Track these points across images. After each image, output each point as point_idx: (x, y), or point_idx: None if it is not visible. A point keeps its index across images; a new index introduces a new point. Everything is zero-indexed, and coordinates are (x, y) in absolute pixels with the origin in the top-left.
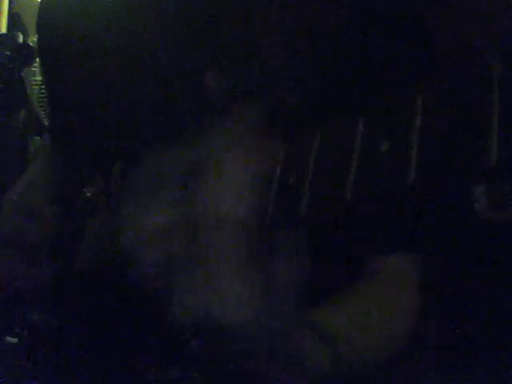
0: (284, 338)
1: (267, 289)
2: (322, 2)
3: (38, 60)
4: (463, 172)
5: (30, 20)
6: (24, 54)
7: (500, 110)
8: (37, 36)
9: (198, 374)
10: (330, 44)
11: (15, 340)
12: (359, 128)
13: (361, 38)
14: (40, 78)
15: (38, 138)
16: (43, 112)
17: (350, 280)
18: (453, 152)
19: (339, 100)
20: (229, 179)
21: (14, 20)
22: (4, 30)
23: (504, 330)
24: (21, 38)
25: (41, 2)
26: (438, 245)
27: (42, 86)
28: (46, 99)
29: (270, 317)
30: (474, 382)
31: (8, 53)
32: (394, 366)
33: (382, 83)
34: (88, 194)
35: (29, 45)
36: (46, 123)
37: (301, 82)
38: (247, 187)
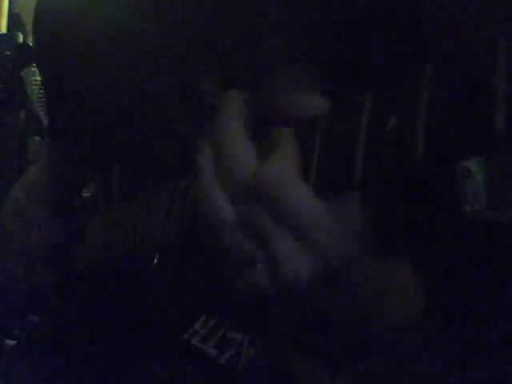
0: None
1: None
2: None
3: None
4: (470, 144)
5: (30, 20)
6: (24, 54)
7: (506, 81)
8: (33, 36)
9: (198, 372)
10: (335, 20)
11: (14, 342)
12: (367, 104)
13: (366, 11)
14: (40, 78)
15: (37, 137)
16: (43, 112)
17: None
18: (459, 124)
19: (346, 78)
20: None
21: (14, 20)
22: (4, 30)
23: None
24: (21, 38)
25: (37, 3)
26: (447, 220)
27: (42, 86)
28: (44, 99)
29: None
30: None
31: (8, 53)
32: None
33: (388, 58)
34: (87, 194)
35: (29, 45)
36: (46, 123)
37: (306, 59)
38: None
